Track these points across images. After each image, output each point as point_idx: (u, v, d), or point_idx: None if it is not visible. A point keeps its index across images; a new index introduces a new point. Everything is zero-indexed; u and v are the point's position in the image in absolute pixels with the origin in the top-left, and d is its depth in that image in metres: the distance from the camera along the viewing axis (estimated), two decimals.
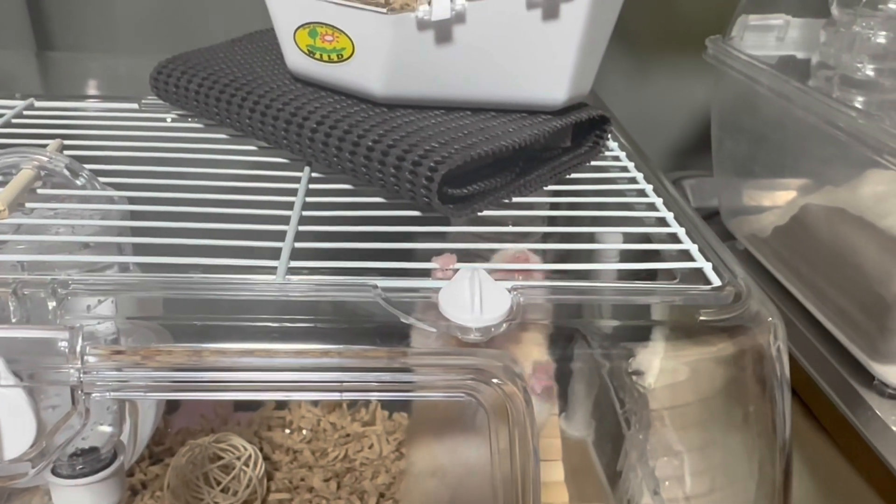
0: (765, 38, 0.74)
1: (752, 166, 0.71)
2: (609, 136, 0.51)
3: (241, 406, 0.83)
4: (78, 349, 0.31)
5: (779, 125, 0.65)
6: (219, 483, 0.69)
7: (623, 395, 0.67)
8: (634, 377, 0.63)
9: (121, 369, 0.31)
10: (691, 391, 0.46)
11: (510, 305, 0.33)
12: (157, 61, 0.53)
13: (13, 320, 0.33)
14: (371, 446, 0.80)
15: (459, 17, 0.41)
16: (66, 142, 0.49)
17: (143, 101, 0.56)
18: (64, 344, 0.31)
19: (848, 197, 0.58)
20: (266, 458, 0.74)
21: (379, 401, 0.83)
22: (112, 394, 0.31)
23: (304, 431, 0.81)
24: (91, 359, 0.31)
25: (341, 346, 0.32)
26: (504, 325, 0.33)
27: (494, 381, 0.32)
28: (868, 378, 0.56)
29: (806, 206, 0.62)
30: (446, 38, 0.42)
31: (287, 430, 0.81)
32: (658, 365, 0.58)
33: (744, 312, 0.35)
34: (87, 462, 0.47)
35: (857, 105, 0.66)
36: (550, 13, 0.42)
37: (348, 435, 0.81)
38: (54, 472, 0.47)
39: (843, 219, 0.57)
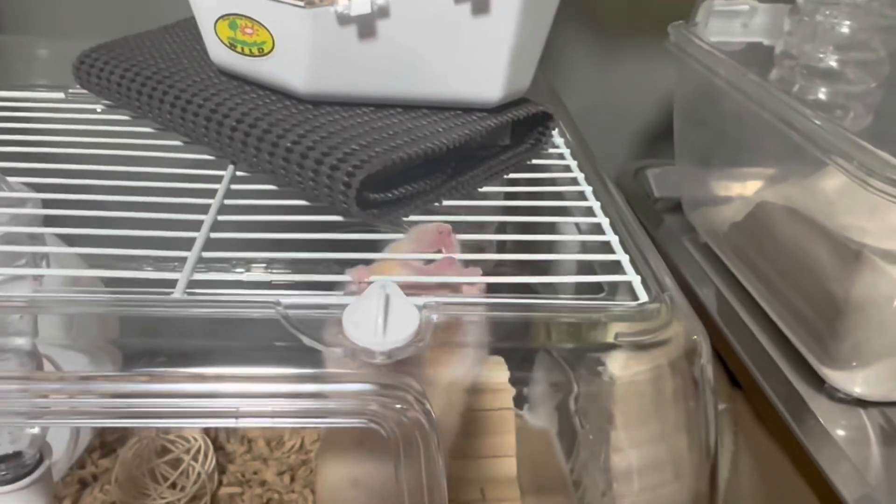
0: (730, 25, 0.71)
1: (711, 159, 0.69)
2: (553, 132, 0.49)
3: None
4: None
5: (737, 118, 0.63)
6: (166, 479, 0.68)
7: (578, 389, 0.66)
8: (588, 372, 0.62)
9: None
10: (625, 405, 0.45)
11: (418, 325, 0.32)
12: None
13: None
14: None
15: (383, 12, 0.39)
16: None
17: (70, 91, 0.53)
18: None
19: (804, 193, 0.56)
20: (220, 448, 0.73)
21: None
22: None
23: None
24: None
25: (236, 369, 0.30)
26: (411, 347, 0.31)
27: (397, 405, 0.31)
28: (819, 382, 0.55)
29: (761, 204, 0.60)
30: (370, 34, 0.40)
31: None
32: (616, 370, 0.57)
33: (666, 329, 0.34)
34: (10, 468, 0.46)
35: (821, 96, 0.65)
36: (480, 7, 0.40)
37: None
38: None
39: (796, 219, 0.55)
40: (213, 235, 0.38)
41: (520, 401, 0.73)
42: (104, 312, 0.32)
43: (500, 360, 0.71)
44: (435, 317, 0.33)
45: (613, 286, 0.37)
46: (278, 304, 0.33)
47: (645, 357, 0.36)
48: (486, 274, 0.39)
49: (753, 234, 0.62)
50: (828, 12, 0.62)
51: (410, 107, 0.44)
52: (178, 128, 0.45)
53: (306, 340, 0.31)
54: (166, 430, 0.71)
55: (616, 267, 0.38)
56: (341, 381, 0.31)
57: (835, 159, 0.46)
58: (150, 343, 0.33)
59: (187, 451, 0.70)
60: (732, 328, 0.61)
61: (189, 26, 0.55)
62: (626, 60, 0.85)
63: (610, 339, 0.34)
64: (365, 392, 0.30)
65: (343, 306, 0.33)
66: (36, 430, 0.47)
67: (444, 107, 0.45)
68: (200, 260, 0.36)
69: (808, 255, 0.54)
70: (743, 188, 0.64)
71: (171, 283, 0.34)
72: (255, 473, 0.74)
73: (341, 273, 0.36)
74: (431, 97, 0.44)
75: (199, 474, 0.69)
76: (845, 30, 0.62)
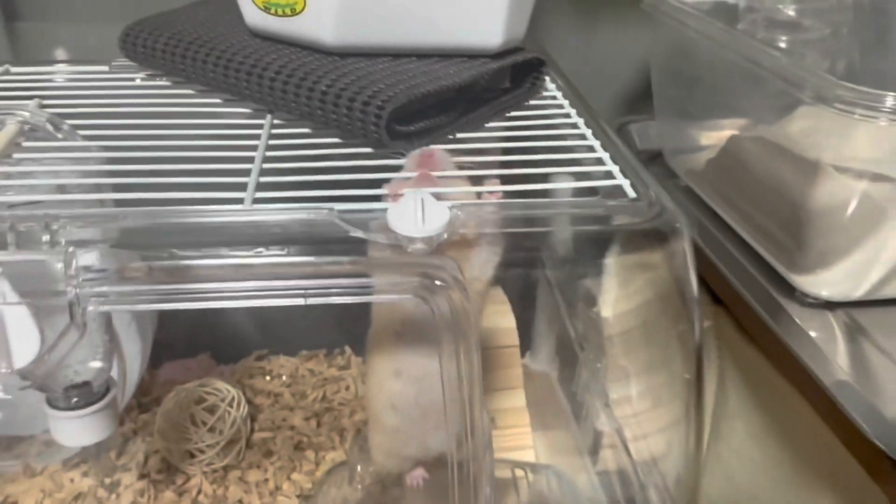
0: None
1: (688, 108, 0.77)
2: (546, 77, 0.56)
3: (222, 359, 0.88)
4: (73, 269, 0.35)
5: (710, 67, 0.70)
6: (205, 424, 0.74)
7: (575, 321, 0.73)
8: (585, 303, 0.69)
9: (111, 286, 0.36)
10: (625, 298, 0.52)
11: (449, 218, 0.38)
12: (123, 26, 0.57)
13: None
14: (348, 388, 0.85)
15: None
16: (44, 101, 0.53)
17: (113, 63, 0.60)
18: (60, 265, 0.35)
19: (771, 132, 0.63)
20: (249, 402, 0.79)
21: (352, 349, 0.88)
22: (104, 307, 0.36)
23: (284, 377, 0.86)
24: (84, 277, 0.36)
25: (304, 258, 0.37)
26: (444, 234, 0.38)
27: (437, 282, 0.37)
28: (790, 290, 0.62)
29: (732, 138, 0.68)
30: None
31: (267, 378, 0.86)
32: (611, 294, 0.63)
33: (654, 218, 0.41)
34: (81, 395, 0.52)
35: (782, 44, 0.72)
36: None
37: (325, 379, 0.86)
38: (51, 405, 0.51)
39: (763, 146, 0.62)
40: (266, 166, 0.45)
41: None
42: (178, 222, 0.38)
43: (506, 301, 0.78)
44: (461, 214, 0.40)
45: (607, 191, 0.44)
46: (332, 209, 0.39)
47: (633, 297, 0.43)
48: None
49: (726, 166, 0.69)
50: None
51: (424, 55, 0.51)
52: (221, 85, 0.52)
53: (360, 234, 0.38)
54: (203, 383, 0.77)
55: (609, 177, 0.45)
56: (391, 263, 0.37)
57: (794, 87, 0.53)
58: (222, 251, 0.39)
59: (222, 400, 0.76)
60: (714, 250, 0.68)
61: (215, 2, 0.61)
62: (605, 28, 0.92)
63: (604, 228, 0.41)
64: (410, 271, 0.37)
65: (385, 210, 0.39)
66: (100, 364, 0.53)
67: (453, 54, 0.51)
68: (258, 186, 0.42)
69: (774, 175, 0.61)
70: (717, 133, 0.72)
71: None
72: (284, 420, 0.80)
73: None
74: (441, 45, 0.51)
75: (234, 419, 0.75)
76: None
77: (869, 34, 0.70)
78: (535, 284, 0.84)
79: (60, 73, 0.59)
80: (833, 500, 0.58)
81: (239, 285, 0.36)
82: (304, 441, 0.78)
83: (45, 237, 0.38)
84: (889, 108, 0.48)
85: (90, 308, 0.36)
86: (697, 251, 0.69)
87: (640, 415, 0.65)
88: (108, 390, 0.54)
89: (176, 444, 0.74)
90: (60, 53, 0.76)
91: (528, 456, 0.74)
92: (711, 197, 0.73)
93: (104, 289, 0.36)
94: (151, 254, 0.38)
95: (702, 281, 0.71)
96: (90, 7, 0.78)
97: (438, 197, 0.40)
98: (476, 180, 0.45)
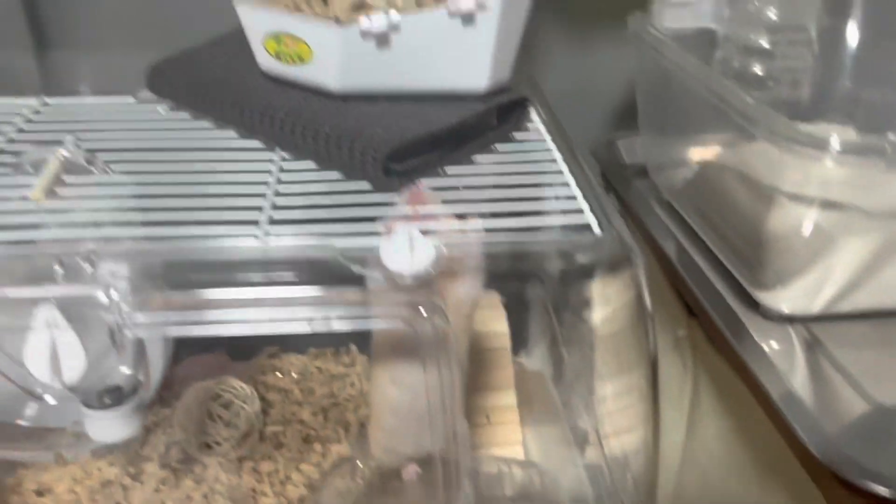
0: (681, 14, 0.83)
1: (667, 129, 0.82)
2: (530, 113, 0.62)
3: (237, 356, 0.94)
4: (115, 300, 0.42)
5: (684, 95, 0.75)
6: (221, 419, 0.81)
7: (563, 329, 0.80)
8: (573, 315, 0.76)
9: (143, 315, 0.42)
10: (604, 320, 0.58)
11: (435, 256, 0.45)
12: (145, 56, 0.63)
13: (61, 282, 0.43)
14: (353, 384, 0.92)
15: (395, 27, 0.52)
16: (79, 134, 0.59)
17: (139, 95, 0.66)
18: (104, 297, 0.42)
19: (736, 156, 0.69)
20: (261, 398, 0.85)
21: (358, 348, 0.95)
22: (141, 333, 0.42)
23: (294, 374, 0.93)
24: (122, 308, 0.42)
25: (308, 291, 0.43)
26: (431, 271, 0.44)
27: (423, 312, 0.43)
28: (755, 305, 0.67)
29: (703, 163, 0.73)
30: (386, 43, 0.53)
31: (278, 374, 0.93)
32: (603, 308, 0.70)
33: (613, 252, 0.47)
34: (113, 397, 0.59)
35: (757, 72, 0.77)
36: (468, 20, 0.52)
37: (333, 376, 0.93)
38: (86, 405, 0.58)
39: (731, 176, 0.68)
40: (277, 200, 0.51)
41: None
42: (195, 256, 0.45)
43: (500, 307, 0.85)
44: (446, 250, 0.46)
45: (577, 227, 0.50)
46: (335, 247, 0.45)
47: (611, 320, 0.48)
48: None
49: (700, 187, 0.74)
50: (757, 3, 0.74)
51: (418, 98, 0.57)
52: (236, 122, 0.58)
53: (357, 270, 0.44)
54: (219, 381, 0.84)
55: (579, 212, 0.51)
56: (385, 296, 0.44)
57: (751, 124, 0.58)
58: (232, 281, 0.46)
59: (237, 397, 0.83)
60: (686, 266, 0.73)
61: (234, 40, 0.67)
62: (598, 48, 0.98)
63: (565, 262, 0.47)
64: (400, 303, 0.43)
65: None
66: (130, 372, 0.60)
67: (444, 97, 0.57)
68: (270, 221, 0.49)
69: (740, 203, 0.66)
70: (692, 153, 0.77)
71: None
72: (293, 415, 0.87)
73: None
74: (433, 89, 0.56)
75: (248, 415, 0.82)
76: (773, 16, 0.74)
77: (836, 63, 0.75)
78: (529, 290, 0.91)
79: (91, 105, 0.65)
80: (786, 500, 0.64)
81: (251, 313, 0.42)
82: (312, 434, 0.84)
83: (90, 269, 0.44)
84: (833, 148, 0.54)
85: (128, 333, 0.42)
86: (670, 268, 0.75)
87: (612, 414, 0.71)
88: (135, 392, 0.61)
89: (194, 436, 0.80)
90: (88, 79, 0.82)
91: (517, 450, 0.81)
92: (688, 214, 0.78)
93: (138, 317, 0.42)
94: (178, 286, 0.45)
95: (678, 294, 0.77)
96: (116, 35, 0.84)
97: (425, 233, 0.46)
98: (460, 214, 0.51)
